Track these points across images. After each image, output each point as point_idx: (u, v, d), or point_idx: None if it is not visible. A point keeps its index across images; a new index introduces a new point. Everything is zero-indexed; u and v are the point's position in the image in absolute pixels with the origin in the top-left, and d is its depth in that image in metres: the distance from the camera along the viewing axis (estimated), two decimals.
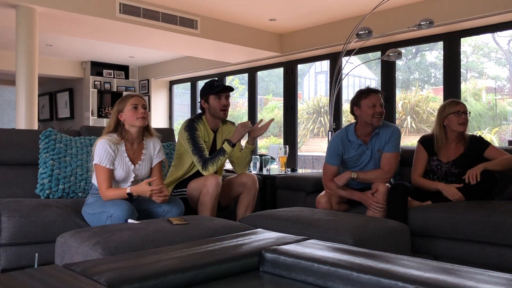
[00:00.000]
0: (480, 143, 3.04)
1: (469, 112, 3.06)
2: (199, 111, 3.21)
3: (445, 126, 3.06)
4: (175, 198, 2.66)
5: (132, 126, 2.63)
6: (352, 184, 3.07)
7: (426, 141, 3.13)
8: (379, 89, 3.22)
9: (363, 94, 3.03)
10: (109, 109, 9.00)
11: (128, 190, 2.48)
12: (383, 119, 3.03)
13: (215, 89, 3.02)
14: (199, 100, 3.14)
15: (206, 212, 2.86)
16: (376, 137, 3.06)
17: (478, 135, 3.15)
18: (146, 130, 2.72)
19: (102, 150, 2.52)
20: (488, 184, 2.86)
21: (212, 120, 3.11)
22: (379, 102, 2.98)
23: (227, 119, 3.22)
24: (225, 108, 3.04)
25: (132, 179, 2.64)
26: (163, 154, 2.78)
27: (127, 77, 9.36)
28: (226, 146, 2.93)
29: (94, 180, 2.63)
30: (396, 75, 5.95)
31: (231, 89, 3.09)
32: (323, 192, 3.13)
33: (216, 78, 3.34)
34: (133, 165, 2.64)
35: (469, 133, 3.17)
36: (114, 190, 2.52)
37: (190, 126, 3.03)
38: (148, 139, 2.73)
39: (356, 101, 3.05)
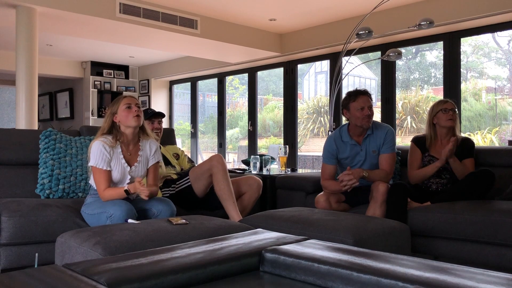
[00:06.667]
0: (467, 149, 3.09)
1: (457, 110, 3.16)
2: (199, 111, 3.34)
3: (435, 125, 3.17)
4: (165, 199, 2.64)
5: (128, 127, 2.61)
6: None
7: (418, 140, 3.24)
8: (374, 89, 3.27)
9: (351, 96, 3.06)
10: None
11: (126, 187, 2.48)
12: (372, 120, 3.07)
13: (148, 115, 3.32)
14: None
15: (224, 187, 2.97)
16: (370, 138, 3.08)
17: (471, 142, 3.16)
18: (141, 131, 2.70)
19: (97, 152, 2.51)
20: (486, 183, 2.87)
21: None
22: (367, 104, 3.02)
23: (168, 143, 3.60)
24: (157, 132, 3.35)
25: (128, 180, 2.62)
26: (160, 155, 2.77)
27: (127, 77, 9.36)
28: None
29: (91, 181, 2.62)
30: (396, 75, 5.95)
31: (162, 115, 3.42)
32: (322, 192, 3.14)
33: (151, 108, 3.61)
34: (129, 167, 2.62)
35: (463, 135, 3.25)
36: (112, 190, 2.51)
37: None
38: (144, 140, 2.71)
39: (345, 104, 3.10)
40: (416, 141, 3.23)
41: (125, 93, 9.09)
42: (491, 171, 2.89)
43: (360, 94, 3.04)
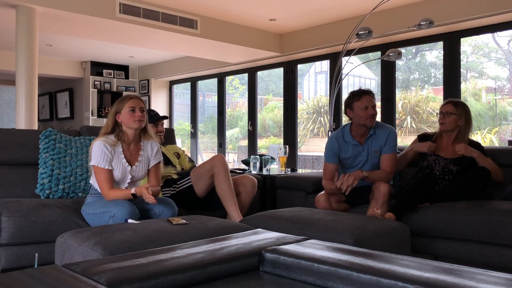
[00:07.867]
0: (470, 159, 3.06)
1: (450, 114, 3.10)
2: (199, 111, 3.34)
3: None
4: (167, 200, 2.64)
5: (129, 128, 2.63)
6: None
7: (424, 137, 3.26)
8: (375, 89, 3.28)
9: (355, 96, 3.05)
10: (109, 109, 8.99)
11: (133, 191, 2.48)
12: (376, 120, 3.07)
13: (152, 118, 3.33)
14: None
15: (226, 187, 2.98)
16: (372, 138, 3.08)
17: (480, 145, 3.15)
18: (143, 131, 2.71)
19: (98, 152, 2.52)
20: (482, 181, 2.87)
21: None
22: (371, 104, 3.01)
23: (168, 143, 3.61)
24: (160, 134, 3.39)
25: (129, 180, 2.63)
26: (161, 156, 2.77)
27: (127, 77, 9.36)
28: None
29: (91, 181, 2.62)
30: (396, 75, 5.95)
31: (165, 117, 3.48)
32: (322, 191, 3.14)
33: (153, 110, 3.61)
34: (130, 167, 2.63)
35: (472, 139, 3.22)
36: (118, 191, 2.51)
37: None
38: (145, 140, 2.72)
39: (348, 103, 3.08)
40: (422, 137, 3.26)
41: (130, 93, 9.09)
42: (487, 168, 2.89)
43: (364, 94, 3.03)
